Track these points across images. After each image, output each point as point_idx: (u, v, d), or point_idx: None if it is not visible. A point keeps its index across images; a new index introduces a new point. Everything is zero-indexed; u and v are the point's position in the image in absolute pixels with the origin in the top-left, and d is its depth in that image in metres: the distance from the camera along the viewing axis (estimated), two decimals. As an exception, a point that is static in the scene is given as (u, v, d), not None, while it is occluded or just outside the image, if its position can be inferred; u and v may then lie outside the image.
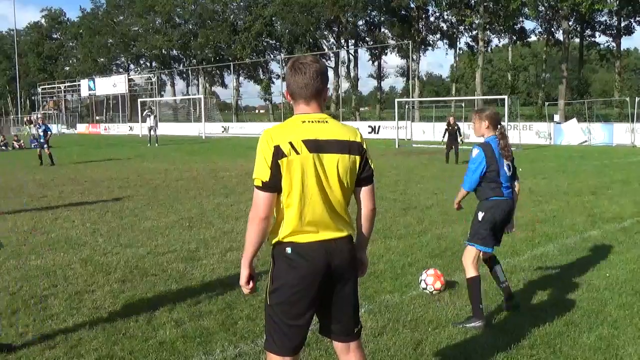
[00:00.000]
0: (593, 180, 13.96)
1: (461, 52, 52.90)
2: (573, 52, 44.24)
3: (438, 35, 51.41)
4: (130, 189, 13.65)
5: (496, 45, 53.75)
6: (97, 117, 66.89)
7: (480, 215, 4.88)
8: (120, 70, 72.80)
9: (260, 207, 2.72)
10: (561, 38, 42.25)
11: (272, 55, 61.63)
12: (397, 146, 28.36)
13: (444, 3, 44.83)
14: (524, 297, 5.48)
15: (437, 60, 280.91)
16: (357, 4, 48.28)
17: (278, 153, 2.68)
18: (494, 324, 4.84)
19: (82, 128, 62.72)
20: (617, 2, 37.38)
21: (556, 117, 34.63)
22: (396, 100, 33.99)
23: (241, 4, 58.81)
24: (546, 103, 39.05)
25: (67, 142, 39.76)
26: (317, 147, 2.73)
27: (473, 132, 5.29)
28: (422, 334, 4.60)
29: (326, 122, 2.82)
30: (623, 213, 9.63)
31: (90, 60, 75.18)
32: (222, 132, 47.25)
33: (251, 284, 2.87)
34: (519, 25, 44.92)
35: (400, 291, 5.67)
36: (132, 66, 73.81)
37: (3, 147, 33.39)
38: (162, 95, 65.70)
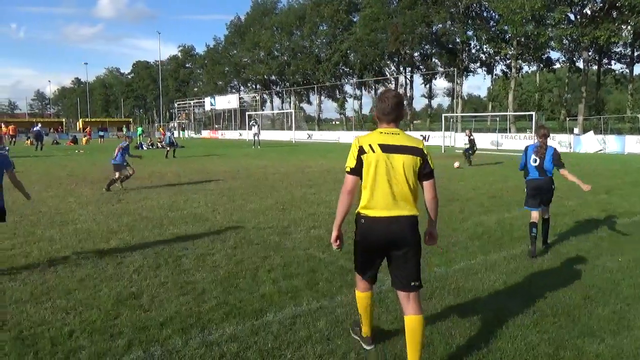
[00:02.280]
0: (607, 182, 13.04)
1: (496, 77, 50.78)
2: (591, 76, 41.45)
3: (478, 64, 49.49)
4: (240, 180, 13.98)
5: (526, 72, 51.13)
6: (216, 125, 68.90)
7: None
8: (233, 90, 74.52)
9: (347, 184, 3.14)
10: (581, 66, 39.66)
11: (346, 80, 61.27)
12: (443, 151, 27.59)
13: (483, 38, 43.06)
14: (549, 276, 5.20)
15: (476, 83, 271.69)
16: (414, 39, 47.24)
17: (361, 151, 3.11)
18: (522, 295, 4.63)
19: (205, 133, 64.74)
20: (632, 35, 34.73)
21: (576, 130, 32.60)
22: (443, 115, 33.02)
23: (324, 40, 58.72)
24: (567, 118, 36.84)
25: (194, 144, 41.29)
26: (388, 149, 3.07)
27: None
28: (463, 300, 4.47)
29: (398, 134, 3.15)
30: (633, 209, 8.96)
31: (212, 83, 77.52)
32: (307, 138, 47.56)
33: (338, 242, 3.24)
34: (545, 56, 42.50)
35: (445, 265, 5.52)
36: (242, 88, 75.44)
37: (150, 146, 35.03)
38: (263, 109, 66.86)
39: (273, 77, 68.92)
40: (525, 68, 47.17)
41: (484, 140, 31.24)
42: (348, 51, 55.20)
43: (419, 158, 3.07)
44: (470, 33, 45.42)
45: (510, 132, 35.90)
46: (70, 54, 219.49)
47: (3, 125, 47.24)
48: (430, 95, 54.87)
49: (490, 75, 50.36)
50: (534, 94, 52.45)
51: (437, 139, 33.77)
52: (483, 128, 39.75)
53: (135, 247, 6.37)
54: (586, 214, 8.53)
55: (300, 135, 47.66)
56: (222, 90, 74.17)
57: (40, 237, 6.96)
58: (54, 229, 7.55)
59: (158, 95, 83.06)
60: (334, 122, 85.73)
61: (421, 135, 36.19)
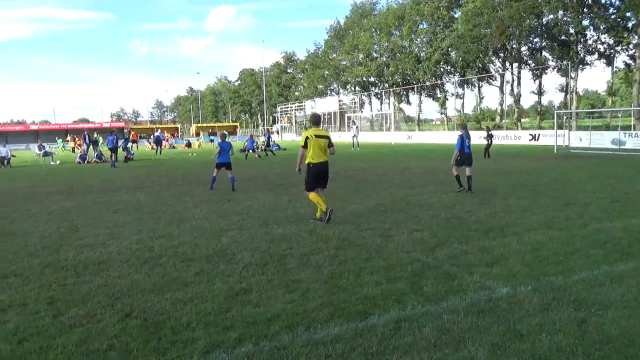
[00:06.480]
0: None
1: (617, 69, 45.89)
2: None
3: (595, 56, 45.01)
4: (339, 181, 14.05)
5: (654, 62, 45.58)
6: (316, 128, 70.33)
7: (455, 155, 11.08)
8: (333, 93, 75.69)
9: (301, 152, 8.04)
10: None
11: (447, 78, 59.35)
12: (555, 151, 25.58)
13: (601, 27, 39.21)
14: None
15: (591, 77, 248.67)
16: (521, 33, 44.37)
17: (307, 138, 7.86)
18: (658, 311, 4.08)
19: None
20: None
21: None
22: (555, 112, 30.64)
23: (424, 39, 57.44)
24: None
25: (295, 145, 42.43)
26: (318, 137, 7.90)
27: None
28: (585, 314, 4.04)
29: (321, 130, 8.09)
30: None
31: (312, 87, 79.42)
32: (407, 139, 46.81)
33: (299, 171, 8.13)
34: (678, 43, 37.57)
35: (563, 275, 5.04)
36: (341, 90, 76.37)
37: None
38: (362, 111, 67.05)
39: (372, 79, 68.81)
40: (653, 58, 42.12)
41: (604, 139, 28.44)
42: (449, 49, 53.37)
43: (328, 139, 7.98)
44: (586, 22, 41.64)
45: (634, 129, 32.26)
46: (184, 65, 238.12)
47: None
48: (540, 92, 51.06)
49: (610, 68, 45.68)
50: (664, 86, 46.70)
51: (548, 138, 31.47)
52: (602, 125, 36.21)
53: (243, 245, 6.67)
54: None
55: (400, 137, 47.02)
56: (322, 94, 75.64)
57: (161, 234, 7.57)
58: (173, 226, 8.17)
59: (262, 100, 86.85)
60: (434, 122, 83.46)
61: (530, 134, 33.90)
